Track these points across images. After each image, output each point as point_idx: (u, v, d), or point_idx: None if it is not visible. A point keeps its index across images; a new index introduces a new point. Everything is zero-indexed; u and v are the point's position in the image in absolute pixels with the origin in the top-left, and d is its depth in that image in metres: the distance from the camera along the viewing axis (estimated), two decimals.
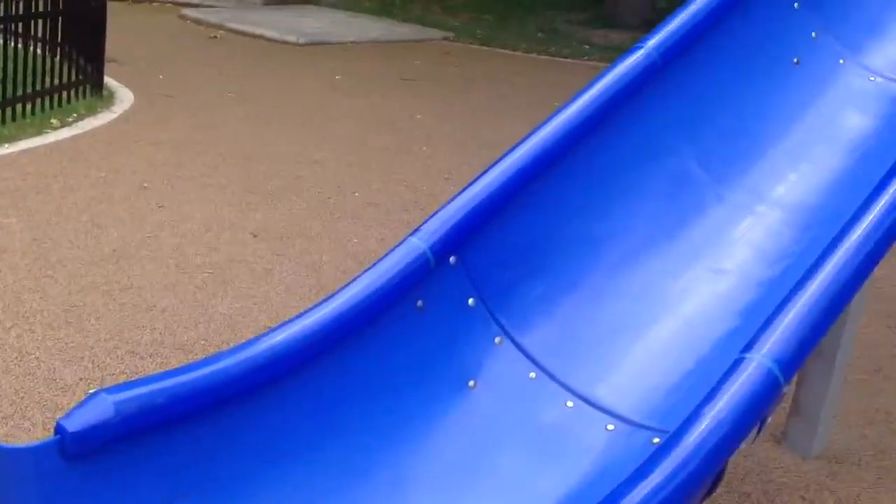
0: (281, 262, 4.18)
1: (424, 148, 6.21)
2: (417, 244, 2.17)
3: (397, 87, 7.94)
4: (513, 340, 2.27)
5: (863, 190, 2.18)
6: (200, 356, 2.97)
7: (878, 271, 4.48)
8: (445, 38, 10.57)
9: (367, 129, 6.58)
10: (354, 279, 2.10)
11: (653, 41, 2.59)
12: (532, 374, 2.25)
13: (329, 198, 5.11)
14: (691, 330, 2.30)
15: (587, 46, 10.56)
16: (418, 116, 7.02)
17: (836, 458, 2.96)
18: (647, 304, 2.37)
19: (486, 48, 10.25)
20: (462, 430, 2.15)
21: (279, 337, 1.96)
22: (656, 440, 1.98)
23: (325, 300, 2.06)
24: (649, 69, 2.55)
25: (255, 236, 4.45)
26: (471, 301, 2.27)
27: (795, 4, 2.94)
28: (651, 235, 2.47)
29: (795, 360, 1.77)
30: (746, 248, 2.44)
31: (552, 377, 2.23)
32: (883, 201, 2.04)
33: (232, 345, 2.44)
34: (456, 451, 2.12)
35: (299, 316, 2.02)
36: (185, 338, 3.42)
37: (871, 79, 2.84)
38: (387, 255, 2.16)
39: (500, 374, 2.23)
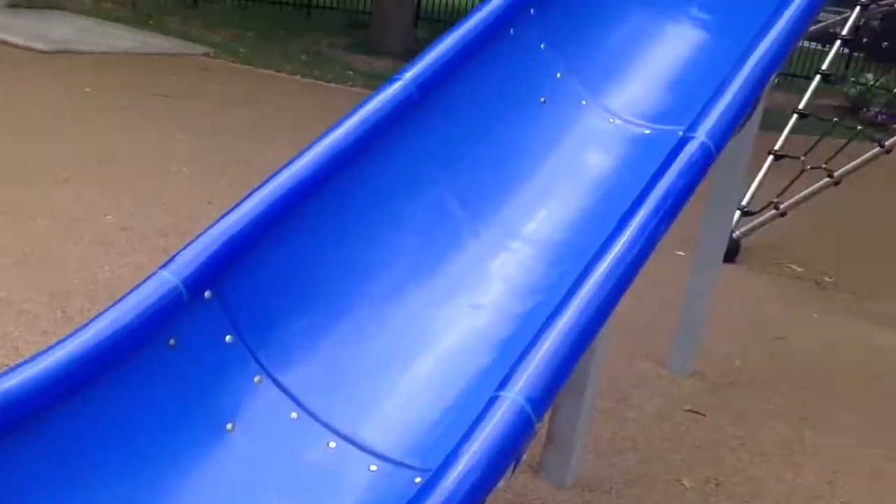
0: (21, 291, 3.87)
1: (184, 169, 5.99)
2: (168, 278, 2.06)
3: (154, 104, 7.62)
4: (273, 379, 2.21)
5: (605, 227, 2.28)
6: None
7: (622, 300, 4.80)
8: (205, 55, 10.27)
9: (119, 146, 6.25)
10: (101, 313, 1.96)
11: (410, 73, 2.61)
12: (294, 415, 2.19)
13: (77, 220, 4.79)
14: (451, 365, 2.32)
15: (350, 72, 10.62)
16: (178, 136, 6.76)
17: (590, 487, 3.10)
18: (410, 338, 2.37)
19: (248, 67, 10.05)
20: (221, 475, 2.06)
21: (15, 380, 1.79)
22: (418, 480, 1.98)
23: (71, 335, 1.91)
24: (408, 101, 2.57)
25: None
26: (228, 338, 2.19)
27: (542, 45, 3.06)
28: (414, 268, 2.49)
29: (546, 397, 1.82)
30: (501, 284, 2.50)
31: (314, 417, 2.18)
32: (622, 240, 2.13)
33: None
34: (216, 497, 2.02)
35: (42, 353, 1.87)
36: None
37: (611, 120, 3.00)
38: (135, 288, 2.04)
39: (259, 415, 2.16)
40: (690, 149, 2.25)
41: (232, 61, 10.20)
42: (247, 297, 2.21)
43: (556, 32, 3.07)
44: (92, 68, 8.59)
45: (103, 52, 9.32)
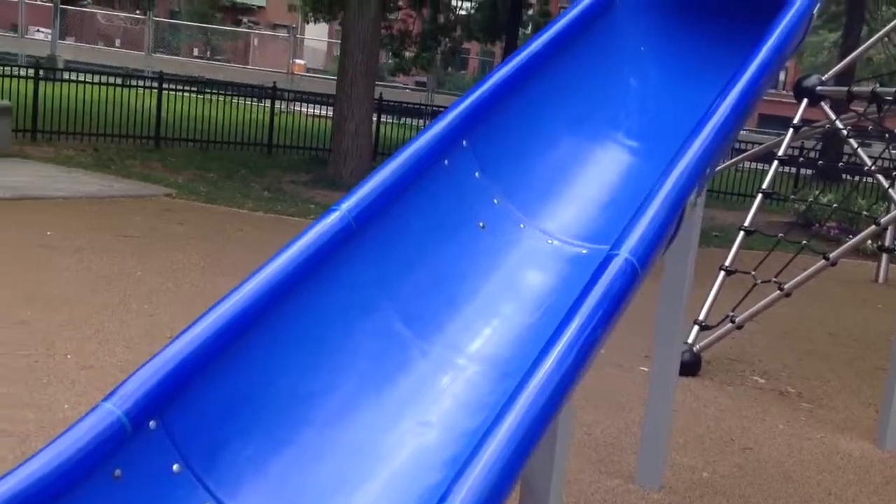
0: None
1: (146, 306, 6.00)
2: (111, 409, 2.06)
3: (115, 244, 7.67)
4: None
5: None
6: None
7: (589, 417, 4.82)
8: (167, 195, 10.41)
9: (81, 287, 6.27)
10: (42, 448, 1.96)
11: (346, 204, 2.67)
12: None
13: (36, 361, 4.77)
14: (403, 484, 2.32)
15: (312, 205, 10.79)
16: (138, 273, 6.80)
17: None
18: (360, 459, 2.37)
19: (210, 205, 10.19)
20: None
21: None
22: None
23: (10, 472, 1.90)
24: (346, 230, 2.62)
25: None
26: (175, 467, 2.17)
27: (476, 174, 3.15)
28: (362, 390, 2.51)
29: None
30: (449, 400, 2.52)
31: None
32: (554, 353, 2.14)
33: None
34: None
35: None
36: None
37: (549, 241, 3.09)
38: (77, 422, 2.03)
39: None
40: (614, 266, 2.32)
41: (194, 200, 10.34)
42: (193, 426, 2.21)
43: (489, 160, 3.18)
44: (53, 212, 8.67)
45: (64, 197, 9.43)
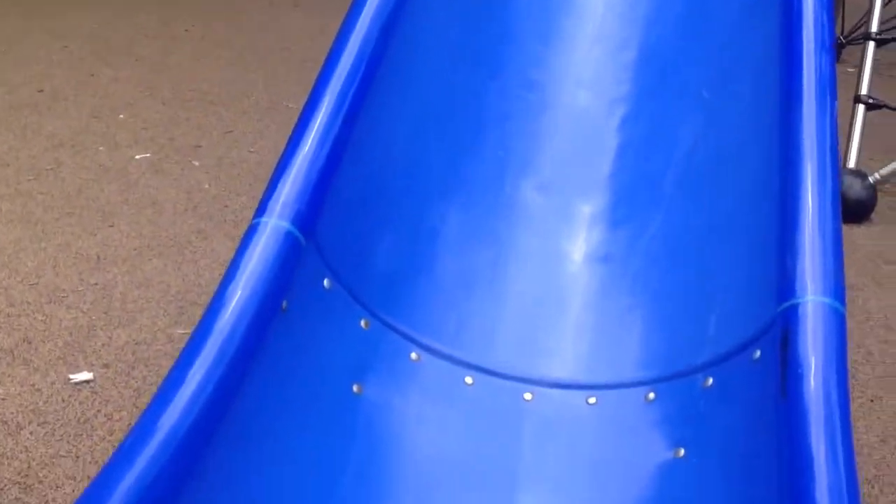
0: None
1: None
2: (278, 224, 1.55)
3: None
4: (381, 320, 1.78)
5: None
6: None
7: None
8: None
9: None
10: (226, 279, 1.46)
11: None
12: (414, 356, 1.80)
13: None
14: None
15: None
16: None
17: None
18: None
19: None
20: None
21: None
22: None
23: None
24: None
25: None
26: (326, 282, 1.71)
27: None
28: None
29: None
30: None
31: (445, 356, 1.80)
32: None
33: None
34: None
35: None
36: None
37: None
38: (244, 243, 1.52)
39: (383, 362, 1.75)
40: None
41: None
42: (335, 232, 1.73)
43: None
44: None
45: None
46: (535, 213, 2.04)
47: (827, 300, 1.42)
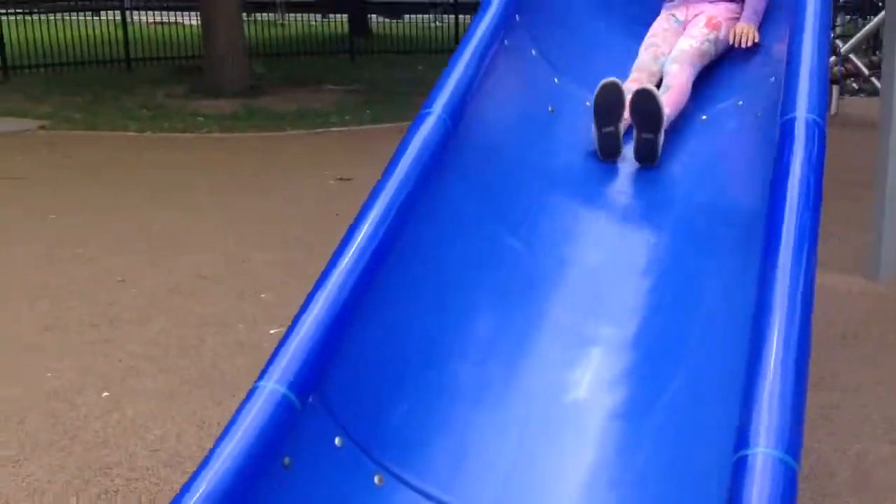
0: None
1: (79, 250, 5.44)
2: (275, 388, 1.72)
3: (5, 188, 6.92)
4: (395, 475, 1.89)
5: None
6: None
7: None
8: (41, 128, 9.48)
9: None
10: (220, 439, 1.63)
11: (437, 104, 2.33)
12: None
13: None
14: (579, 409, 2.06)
15: (200, 118, 10.06)
16: (51, 216, 6.17)
17: None
18: (525, 392, 2.10)
19: (92, 132, 9.34)
20: None
21: None
22: None
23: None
24: (444, 133, 2.30)
25: None
26: (338, 441, 1.85)
27: (532, 51, 2.87)
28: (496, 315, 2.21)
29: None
30: None
31: None
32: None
33: None
34: None
35: None
36: None
37: None
38: (241, 408, 1.69)
39: None
40: (800, 130, 2.05)
41: (71, 129, 9.45)
42: (345, 393, 1.88)
43: (541, 36, 2.89)
44: None
45: None
46: (553, 369, 2.12)
47: (777, 453, 1.42)
